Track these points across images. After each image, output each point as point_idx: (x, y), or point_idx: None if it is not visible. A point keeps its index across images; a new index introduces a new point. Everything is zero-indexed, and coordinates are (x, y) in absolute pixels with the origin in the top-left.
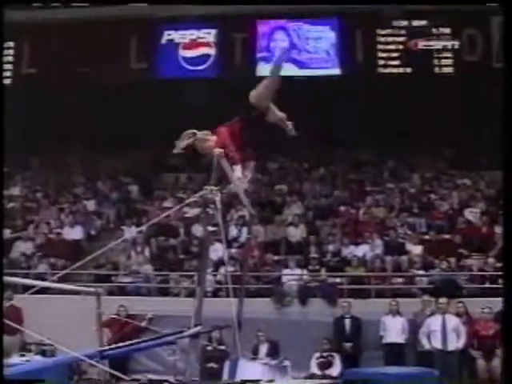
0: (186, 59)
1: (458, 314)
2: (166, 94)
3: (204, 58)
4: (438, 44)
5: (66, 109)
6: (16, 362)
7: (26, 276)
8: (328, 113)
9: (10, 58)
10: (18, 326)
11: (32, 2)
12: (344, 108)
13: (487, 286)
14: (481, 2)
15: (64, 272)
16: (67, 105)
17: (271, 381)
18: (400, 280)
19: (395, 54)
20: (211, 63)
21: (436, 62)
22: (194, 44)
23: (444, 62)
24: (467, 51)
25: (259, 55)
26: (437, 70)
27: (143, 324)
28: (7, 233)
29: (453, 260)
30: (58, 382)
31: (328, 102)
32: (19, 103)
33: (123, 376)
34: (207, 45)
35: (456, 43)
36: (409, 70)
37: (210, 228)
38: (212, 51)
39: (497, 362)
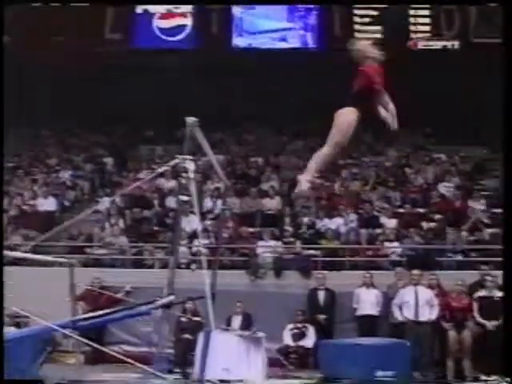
0: (161, 30)
1: (430, 286)
2: (142, 66)
3: (180, 28)
4: None
5: (40, 81)
6: None
7: None
8: (306, 86)
9: None
10: None
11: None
12: (322, 82)
13: (460, 258)
14: (481, 2)
15: (36, 242)
16: (41, 77)
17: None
18: (374, 252)
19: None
20: (187, 34)
21: (414, 36)
22: (170, 14)
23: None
24: (446, 26)
25: (236, 26)
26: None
27: (120, 296)
28: None
29: (426, 233)
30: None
31: (306, 75)
32: None
33: (98, 346)
34: (183, 15)
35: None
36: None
37: (183, 198)
38: (188, 22)
39: (467, 334)
